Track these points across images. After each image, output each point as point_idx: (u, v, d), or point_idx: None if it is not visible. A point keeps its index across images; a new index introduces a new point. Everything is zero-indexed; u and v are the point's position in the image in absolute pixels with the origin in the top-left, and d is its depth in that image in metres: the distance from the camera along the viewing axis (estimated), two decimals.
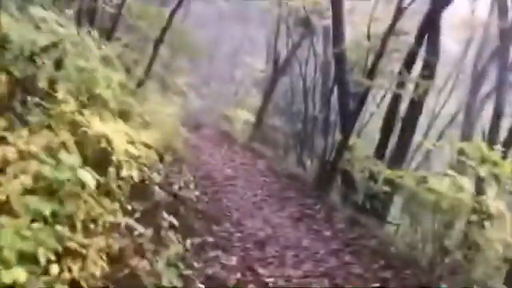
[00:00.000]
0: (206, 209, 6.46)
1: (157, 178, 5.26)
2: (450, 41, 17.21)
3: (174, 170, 7.13)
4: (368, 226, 6.59)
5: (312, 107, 13.04)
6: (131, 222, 3.37)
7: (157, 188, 5.20)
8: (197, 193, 6.14)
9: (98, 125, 3.30)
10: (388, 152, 9.12)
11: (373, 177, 8.29)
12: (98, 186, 2.91)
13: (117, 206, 3.39)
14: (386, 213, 9.09)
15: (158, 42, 10.04)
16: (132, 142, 4.36)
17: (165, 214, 4.10)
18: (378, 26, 9.76)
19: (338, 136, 9.01)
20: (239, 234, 5.85)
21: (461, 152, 5.44)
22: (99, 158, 3.64)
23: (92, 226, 2.79)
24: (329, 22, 10.68)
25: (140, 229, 3.35)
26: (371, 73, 7.62)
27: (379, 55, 7.49)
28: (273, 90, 14.78)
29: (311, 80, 13.23)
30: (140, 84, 9.92)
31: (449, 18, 11.68)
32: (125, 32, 12.87)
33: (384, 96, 12.22)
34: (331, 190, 8.88)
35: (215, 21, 26.65)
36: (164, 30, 9.92)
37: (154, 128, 8.79)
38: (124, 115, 5.83)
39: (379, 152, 8.88)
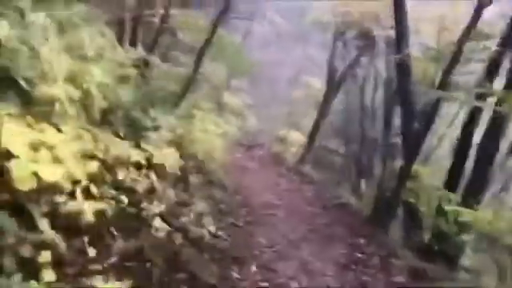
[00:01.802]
0: (229, 247, 5.24)
1: (157, 207, 4.13)
2: None
3: (196, 196, 6.00)
4: (436, 279, 5.05)
5: (371, 127, 11.53)
6: None
7: (157, 221, 4.07)
8: (211, 227, 4.93)
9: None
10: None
11: (443, 212, 6.73)
12: None
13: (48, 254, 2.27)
14: (459, 256, 7.42)
15: (201, 54, 9.19)
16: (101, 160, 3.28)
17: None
18: (448, 35, 8.34)
19: (401, 161, 7.51)
20: (265, 284, 4.57)
21: None
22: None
23: None
24: (391, 32, 9.34)
25: None
26: (443, 83, 6.12)
27: (454, 61, 5.99)
28: (327, 108, 13.41)
29: (371, 98, 11.75)
30: (180, 99, 9.06)
31: None
32: (184, 53, 12.24)
33: (457, 114, 10.50)
34: (390, 226, 7.36)
35: (277, 42, 26.01)
36: (207, 42, 9.05)
37: (185, 147, 7.80)
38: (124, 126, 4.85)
39: (451, 181, 7.28)
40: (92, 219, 2.86)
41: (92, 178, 3.15)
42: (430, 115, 6.99)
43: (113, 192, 3.45)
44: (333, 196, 8.89)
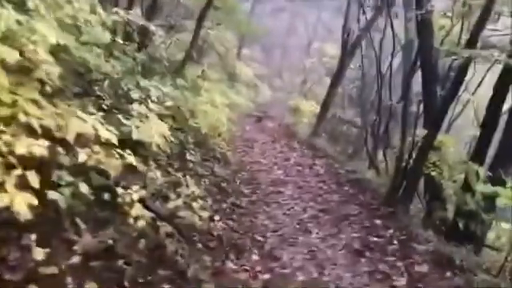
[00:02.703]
0: (227, 232, 4.64)
1: (137, 191, 3.51)
2: None
3: (192, 174, 5.39)
4: (464, 267, 4.38)
5: (388, 95, 10.66)
6: None
7: (136, 208, 3.45)
8: (203, 213, 4.30)
9: None
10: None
11: (469, 187, 6.02)
12: None
13: None
14: (485, 234, 6.74)
15: (202, 17, 8.47)
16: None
17: None
18: None
19: (422, 132, 6.76)
20: (267, 277, 3.97)
21: None
22: None
23: None
24: None
25: None
26: (472, 40, 5.28)
27: (485, 14, 5.14)
28: (340, 75, 12.54)
29: (388, 62, 10.81)
30: (181, 68, 8.39)
31: None
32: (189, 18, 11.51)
33: (481, 80, 9.59)
34: (410, 203, 6.68)
35: (290, 7, 24.97)
36: (208, 3, 8.32)
37: (184, 120, 7.18)
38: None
39: (478, 154, 6.52)
40: (27, 215, 2.25)
41: (40, 163, 2.54)
42: (456, 78, 6.18)
43: (70, 178, 2.85)
44: (347, 171, 8.20)
